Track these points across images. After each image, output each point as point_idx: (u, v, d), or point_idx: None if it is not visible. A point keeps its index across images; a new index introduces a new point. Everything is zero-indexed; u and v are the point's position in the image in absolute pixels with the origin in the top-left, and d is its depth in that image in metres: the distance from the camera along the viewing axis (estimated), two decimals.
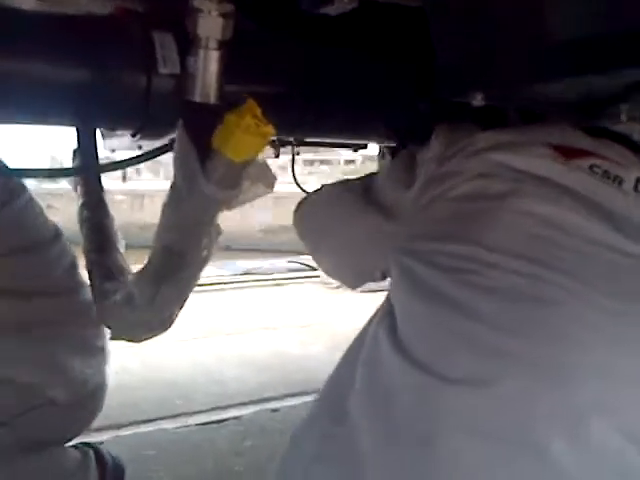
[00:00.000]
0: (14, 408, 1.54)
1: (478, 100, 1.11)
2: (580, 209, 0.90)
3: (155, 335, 1.38)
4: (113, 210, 1.69)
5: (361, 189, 1.31)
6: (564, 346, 0.82)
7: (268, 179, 1.23)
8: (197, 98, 1.04)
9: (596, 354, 0.82)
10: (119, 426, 2.57)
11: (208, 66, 1.02)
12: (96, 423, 1.74)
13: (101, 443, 2.04)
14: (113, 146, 1.52)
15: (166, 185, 1.20)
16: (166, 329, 1.36)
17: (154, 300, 1.26)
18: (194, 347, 3.75)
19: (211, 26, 0.98)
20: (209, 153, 1.08)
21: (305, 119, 1.39)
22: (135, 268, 1.41)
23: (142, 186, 16.65)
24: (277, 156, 1.94)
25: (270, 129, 1.04)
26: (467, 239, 0.92)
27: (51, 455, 1.66)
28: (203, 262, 1.27)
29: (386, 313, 0.94)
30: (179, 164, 1.12)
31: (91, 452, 1.80)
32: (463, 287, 0.88)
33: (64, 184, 1.90)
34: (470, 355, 0.84)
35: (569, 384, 0.79)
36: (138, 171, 17.86)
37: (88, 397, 1.68)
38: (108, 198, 1.70)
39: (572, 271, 0.86)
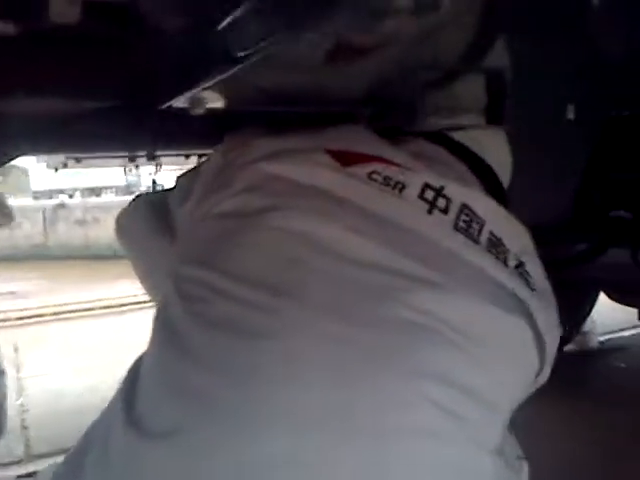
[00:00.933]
0: None
1: None
2: (349, 221, 0.81)
3: None
4: None
5: (161, 204, 1.15)
6: (264, 387, 0.72)
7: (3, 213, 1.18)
8: None
9: (295, 397, 0.71)
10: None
11: None
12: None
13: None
14: None
15: None
16: None
17: None
18: None
19: None
20: None
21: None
22: None
23: None
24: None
25: None
26: (213, 263, 0.82)
27: None
28: None
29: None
30: None
31: None
32: (191, 320, 0.78)
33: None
34: (174, 401, 0.74)
35: (259, 432, 0.70)
36: None
37: None
38: None
39: (306, 296, 0.76)
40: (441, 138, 1.00)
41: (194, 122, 1.00)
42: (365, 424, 0.70)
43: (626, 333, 3.10)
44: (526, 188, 1.11)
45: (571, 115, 1.15)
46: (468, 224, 0.85)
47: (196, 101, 0.88)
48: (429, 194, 0.86)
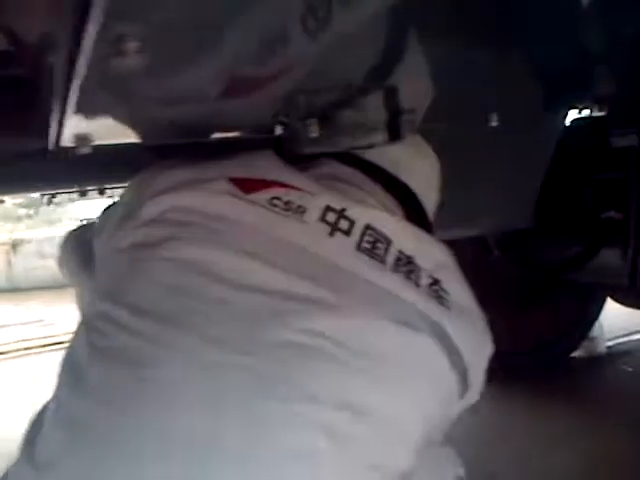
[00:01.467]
0: None
1: None
2: (246, 247, 0.82)
3: None
4: None
5: (86, 238, 1.14)
6: (139, 415, 0.73)
7: None
8: None
9: (165, 424, 0.72)
10: None
11: None
12: None
13: None
14: None
15: None
16: None
17: None
18: None
19: None
20: None
21: None
22: None
23: None
24: None
25: None
26: (116, 296, 0.83)
27: None
28: None
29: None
30: None
31: None
32: (92, 354, 0.79)
33: None
34: (64, 433, 0.76)
35: (130, 459, 0.70)
36: None
37: None
38: None
39: (192, 325, 0.77)
40: (355, 160, 1.01)
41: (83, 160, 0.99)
42: (235, 449, 0.71)
43: (634, 337, 3.04)
44: (461, 197, 1.12)
45: (494, 122, 1.16)
46: (373, 244, 0.86)
47: (81, 139, 0.85)
48: (331, 216, 0.86)
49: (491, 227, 1.84)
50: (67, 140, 0.87)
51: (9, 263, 6.01)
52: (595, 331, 2.84)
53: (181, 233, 0.84)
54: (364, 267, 0.83)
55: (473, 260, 2.59)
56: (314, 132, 0.95)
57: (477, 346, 0.89)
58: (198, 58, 0.80)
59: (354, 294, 0.81)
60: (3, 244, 6.00)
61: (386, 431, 0.78)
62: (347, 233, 0.85)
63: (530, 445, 2.09)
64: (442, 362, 0.83)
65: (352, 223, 0.86)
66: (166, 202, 0.87)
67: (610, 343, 2.96)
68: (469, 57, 1.08)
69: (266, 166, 0.94)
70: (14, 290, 5.79)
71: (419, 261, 0.87)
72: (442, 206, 1.09)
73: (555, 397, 2.43)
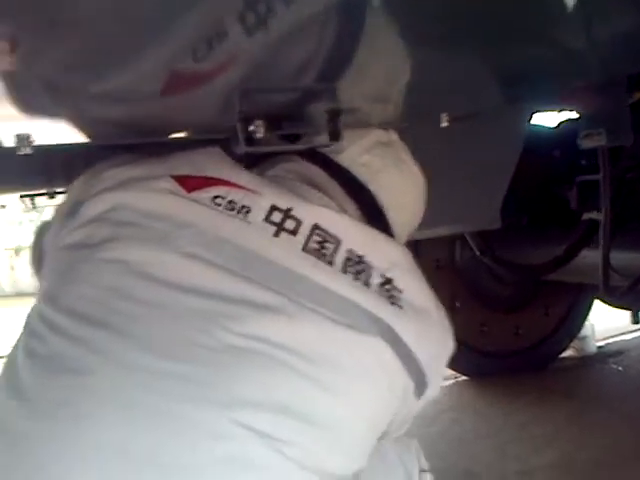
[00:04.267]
0: None
1: None
2: (186, 248, 0.79)
3: None
4: None
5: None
6: (61, 423, 0.71)
7: None
8: None
9: (87, 434, 0.70)
10: None
11: None
12: None
13: None
14: None
15: None
16: None
17: None
18: None
19: None
20: None
21: None
22: None
23: None
24: None
25: None
26: (53, 297, 0.81)
27: None
28: None
29: None
30: None
31: None
32: (26, 357, 0.77)
33: None
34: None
35: (49, 467, 0.69)
36: None
37: None
38: None
39: (123, 328, 0.75)
40: (324, 160, 0.99)
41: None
42: (168, 459, 0.69)
43: (625, 337, 3.03)
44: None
45: (444, 123, 1.15)
46: (321, 244, 0.83)
47: (22, 139, 0.85)
48: (276, 216, 0.84)
49: (454, 228, 1.83)
50: (8, 141, 0.87)
51: (12, 268, 6.07)
52: (585, 331, 2.83)
53: (121, 233, 0.82)
54: (310, 268, 0.81)
55: (462, 260, 2.64)
56: (259, 132, 0.93)
57: (433, 345, 0.87)
58: (136, 54, 0.79)
59: (299, 297, 0.79)
60: (6, 249, 6.06)
61: (328, 436, 0.76)
62: (293, 233, 0.83)
63: (516, 445, 2.09)
64: (392, 364, 0.81)
65: (299, 223, 0.84)
66: (108, 200, 0.85)
67: (601, 343, 2.95)
68: (419, 53, 1.07)
69: (211, 164, 0.91)
70: (18, 295, 5.84)
71: (370, 260, 0.85)
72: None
73: (545, 397, 2.43)
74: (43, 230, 1.17)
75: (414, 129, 1.08)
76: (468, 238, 2.22)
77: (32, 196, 1.41)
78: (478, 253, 2.21)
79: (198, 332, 0.75)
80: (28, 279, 6.19)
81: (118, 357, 0.73)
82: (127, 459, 0.69)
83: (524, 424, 2.23)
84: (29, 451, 0.71)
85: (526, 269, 2.25)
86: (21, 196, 1.38)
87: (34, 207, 1.72)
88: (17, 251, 6.06)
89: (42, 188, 1.25)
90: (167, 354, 0.73)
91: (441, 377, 0.92)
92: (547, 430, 2.16)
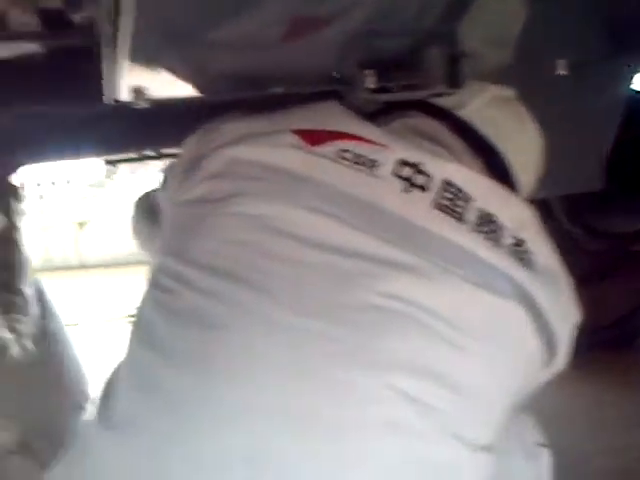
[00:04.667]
0: None
1: None
2: (314, 203, 0.77)
3: None
4: None
5: (151, 199, 1.15)
6: (219, 382, 0.70)
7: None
8: None
9: (251, 394, 0.69)
10: None
11: None
12: None
13: None
14: None
15: None
16: None
17: None
18: None
19: None
20: None
21: None
22: None
23: None
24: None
25: None
26: (180, 251, 0.81)
27: None
28: None
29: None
30: None
31: None
32: (158, 311, 0.77)
33: None
34: (136, 392, 0.74)
35: (214, 428, 0.68)
36: None
37: None
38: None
39: (263, 284, 0.73)
40: (442, 114, 0.95)
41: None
42: (323, 420, 0.68)
43: None
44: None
45: (563, 70, 1.08)
46: (452, 201, 0.80)
47: (138, 92, 0.83)
48: (405, 171, 0.81)
49: (556, 190, 1.74)
50: (124, 94, 0.86)
51: (77, 241, 6.22)
52: None
53: (246, 188, 0.81)
54: (442, 225, 0.78)
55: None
56: (375, 81, 0.88)
57: (564, 311, 0.83)
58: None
59: (434, 256, 0.75)
60: (72, 223, 6.20)
61: (469, 403, 0.74)
62: (423, 189, 0.80)
63: (599, 425, 2.01)
64: (527, 328, 0.78)
65: (429, 178, 0.81)
66: (229, 155, 0.84)
67: None
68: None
69: (333, 117, 0.89)
70: (82, 267, 6.00)
71: (502, 219, 0.81)
72: None
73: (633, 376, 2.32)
74: (150, 196, 1.21)
75: (525, 79, 1.01)
76: (555, 204, 2.12)
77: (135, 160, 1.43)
78: (566, 220, 2.11)
79: (338, 290, 0.72)
80: (92, 252, 6.38)
81: (254, 312, 0.72)
82: (285, 419, 0.67)
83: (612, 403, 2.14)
84: (190, 411, 0.69)
85: (617, 238, 2.15)
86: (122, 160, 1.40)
87: (113, 171, 1.73)
88: (81, 225, 6.20)
89: (153, 145, 1.26)
90: (309, 312, 0.71)
91: (567, 348, 0.87)
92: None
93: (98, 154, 1.46)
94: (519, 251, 0.80)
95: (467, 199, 0.81)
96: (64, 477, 0.77)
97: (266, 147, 0.83)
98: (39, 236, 5.84)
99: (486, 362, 0.76)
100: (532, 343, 0.79)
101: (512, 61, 1.03)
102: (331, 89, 0.93)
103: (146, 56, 0.83)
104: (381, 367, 0.70)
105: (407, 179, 0.80)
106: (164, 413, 0.70)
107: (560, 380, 0.91)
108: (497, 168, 0.95)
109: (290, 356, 0.70)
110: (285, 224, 0.76)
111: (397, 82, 0.93)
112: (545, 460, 0.94)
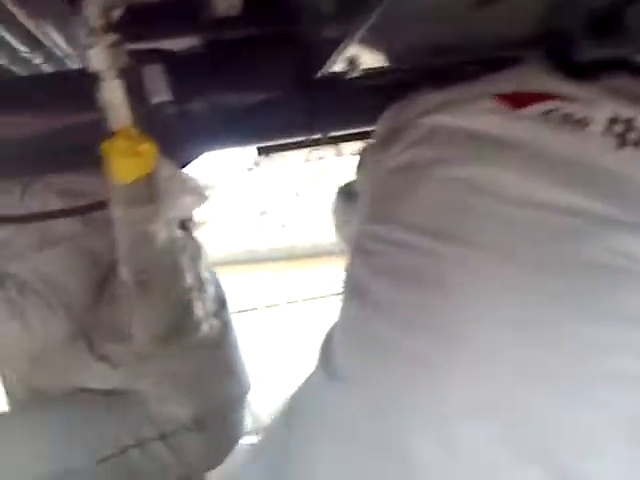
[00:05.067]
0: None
1: None
2: (521, 164, 0.77)
3: None
4: None
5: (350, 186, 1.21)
6: (441, 337, 0.72)
7: (195, 192, 1.34)
8: (114, 127, 1.04)
9: (482, 351, 0.70)
10: None
11: (113, 95, 1.02)
12: None
13: None
14: None
15: None
16: None
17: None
18: None
19: (102, 58, 1.00)
20: None
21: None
22: None
23: None
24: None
25: (148, 147, 1.04)
26: (387, 216, 0.84)
27: None
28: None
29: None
30: None
31: None
32: (369, 272, 0.81)
33: None
34: (356, 348, 0.78)
35: (445, 381, 0.70)
36: None
37: None
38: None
39: (481, 242, 0.74)
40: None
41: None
42: (554, 374, 0.67)
43: None
44: None
45: None
46: None
47: (351, 62, 0.85)
48: (618, 127, 0.79)
49: None
50: (337, 66, 0.89)
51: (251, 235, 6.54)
52: None
53: (450, 154, 0.82)
54: None
55: None
56: (590, 36, 0.85)
57: None
58: None
59: None
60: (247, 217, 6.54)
61: None
62: (637, 144, 0.77)
63: None
64: None
65: None
66: (429, 123, 0.86)
67: None
68: None
69: (535, 78, 0.87)
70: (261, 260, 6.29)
71: None
72: None
73: None
74: (349, 185, 1.28)
75: None
76: None
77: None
78: None
79: (559, 247, 0.72)
80: (267, 246, 6.67)
81: (479, 270, 0.73)
82: (515, 372, 0.68)
83: None
84: (416, 368, 0.72)
85: None
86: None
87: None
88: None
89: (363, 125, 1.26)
90: (532, 269, 0.72)
91: None
92: None
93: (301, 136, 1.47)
94: None
95: None
96: (288, 422, 0.85)
97: (467, 113, 0.84)
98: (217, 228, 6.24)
99: None
100: None
101: None
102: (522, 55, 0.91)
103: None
104: (607, 320, 0.69)
105: (620, 135, 0.78)
106: (386, 368, 0.73)
107: None
108: None
109: (517, 311, 0.70)
110: (492, 186, 0.77)
111: (603, 40, 0.87)
112: None
